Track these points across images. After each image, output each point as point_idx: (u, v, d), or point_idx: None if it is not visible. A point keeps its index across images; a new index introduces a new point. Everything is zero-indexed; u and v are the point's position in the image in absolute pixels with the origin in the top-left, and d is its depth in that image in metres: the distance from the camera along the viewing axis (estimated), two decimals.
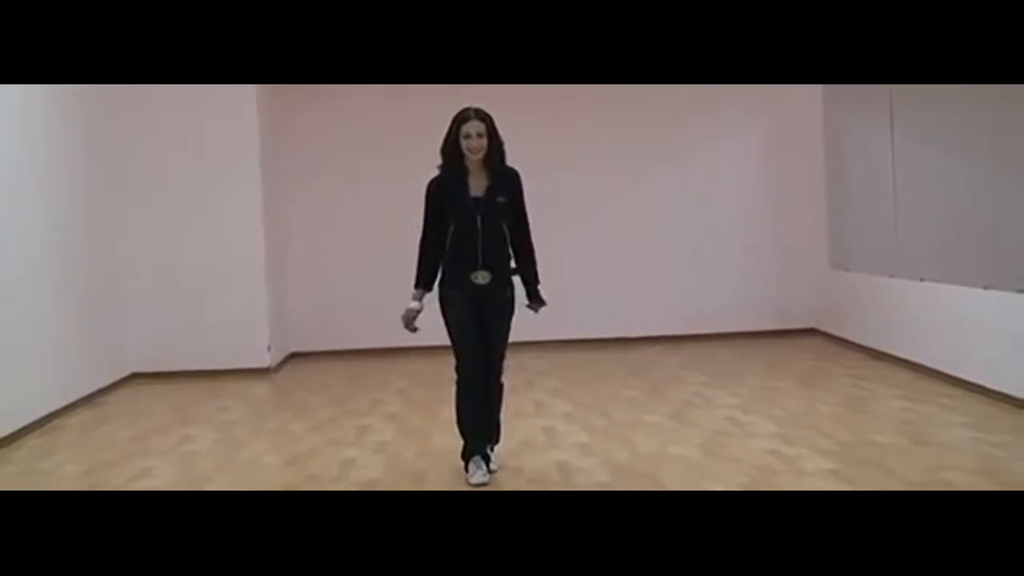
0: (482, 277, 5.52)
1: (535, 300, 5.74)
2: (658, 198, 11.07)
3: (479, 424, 5.67)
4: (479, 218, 5.51)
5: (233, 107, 9.72)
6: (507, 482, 5.68)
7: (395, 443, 6.77)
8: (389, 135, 10.83)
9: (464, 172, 5.55)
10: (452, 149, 5.52)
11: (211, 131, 9.76)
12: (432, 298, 5.67)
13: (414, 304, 5.63)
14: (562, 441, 6.56)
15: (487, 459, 5.66)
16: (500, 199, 5.54)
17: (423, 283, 5.65)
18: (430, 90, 10.27)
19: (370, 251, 10.86)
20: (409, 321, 5.61)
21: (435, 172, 5.65)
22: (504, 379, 5.80)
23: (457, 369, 5.66)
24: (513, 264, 5.67)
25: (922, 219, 8.34)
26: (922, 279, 8.33)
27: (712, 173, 11.11)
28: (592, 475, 5.73)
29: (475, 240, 5.51)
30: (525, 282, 5.71)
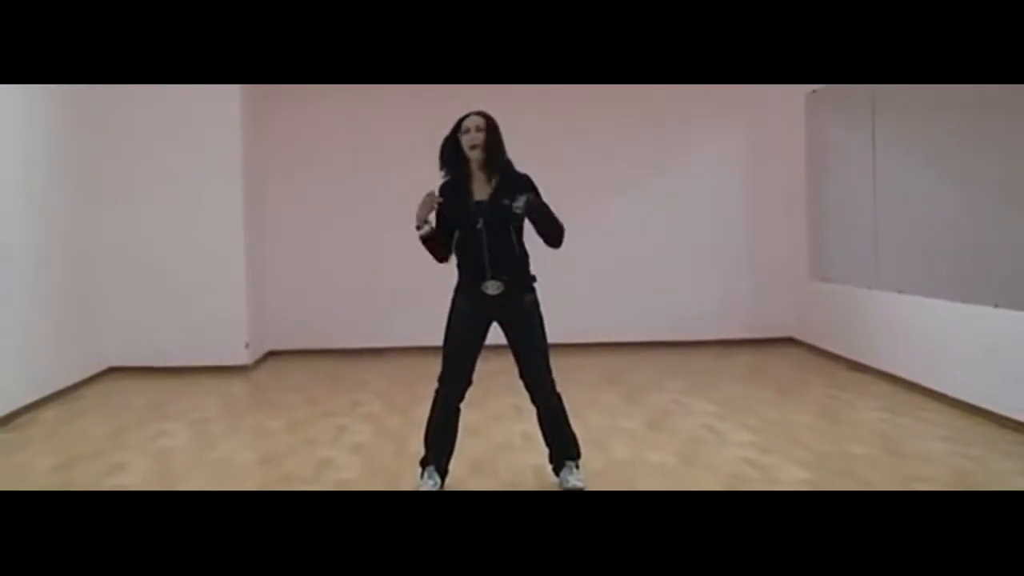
0: (493, 287, 5.30)
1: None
2: (638, 206, 11.07)
3: (442, 437, 5.50)
4: (481, 222, 5.27)
5: (215, 105, 9.66)
6: (484, 485, 5.69)
7: (372, 444, 6.75)
8: (371, 135, 10.84)
9: (466, 176, 5.36)
10: (452, 152, 5.34)
11: (192, 127, 9.72)
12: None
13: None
14: (539, 445, 6.53)
15: (442, 473, 5.48)
16: (506, 201, 5.27)
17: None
18: (413, 90, 10.28)
19: (351, 250, 10.87)
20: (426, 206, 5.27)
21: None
22: (559, 389, 5.58)
23: (439, 379, 5.48)
24: (531, 270, 5.43)
25: (902, 232, 8.37)
26: (901, 291, 8.36)
27: (693, 182, 11.12)
28: None
29: (480, 247, 5.28)
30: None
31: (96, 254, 9.50)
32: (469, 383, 5.49)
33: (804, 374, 9.28)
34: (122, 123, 9.64)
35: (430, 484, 5.42)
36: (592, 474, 5.75)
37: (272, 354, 10.80)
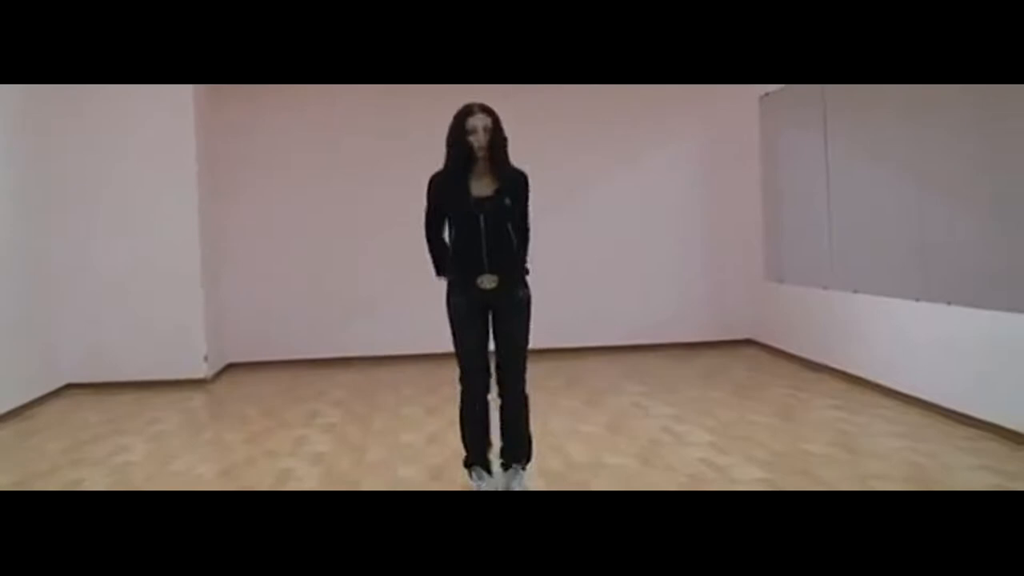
0: (488, 281, 5.28)
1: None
2: (593, 212, 11.11)
3: (478, 433, 5.49)
4: (482, 219, 5.26)
5: (169, 113, 9.61)
6: (442, 487, 5.69)
7: (332, 454, 6.73)
8: (328, 141, 10.77)
9: (467, 171, 5.31)
10: (456, 147, 5.27)
11: (147, 137, 9.66)
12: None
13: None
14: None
15: (487, 468, 5.49)
16: (507, 200, 5.31)
17: (443, 271, 5.47)
18: (371, 94, 10.21)
19: (309, 261, 10.82)
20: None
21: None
22: (528, 389, 5.52)
23: (460, 379, 5.44)
24: (527, 266, 5.46)
25: (855, 232, 8.45)
26: (856, 291, 8.44)
27: (647, 187, 11.18)
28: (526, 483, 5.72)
29: (479, 243, 5.26)
30: None
31: (50, 269, 9.41)
32: (490, 373, 5.45)
33: (761, 375, 9.36)
34: (74, 133, 9.56)
35: (480, 484, 5.43)
36: (551, 476, 5.78)
37: (231, 366, 10.74)
